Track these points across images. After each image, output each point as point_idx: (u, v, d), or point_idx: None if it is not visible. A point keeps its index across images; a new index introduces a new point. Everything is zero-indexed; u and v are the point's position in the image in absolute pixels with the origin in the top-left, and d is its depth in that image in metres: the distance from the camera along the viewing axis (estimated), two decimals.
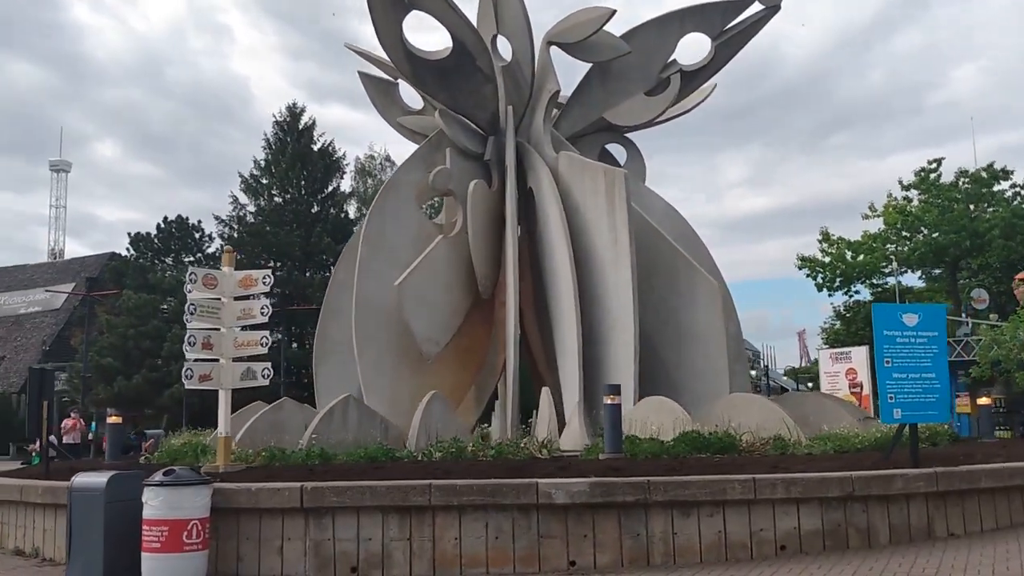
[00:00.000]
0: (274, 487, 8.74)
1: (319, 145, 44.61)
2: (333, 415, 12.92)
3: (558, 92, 16.97)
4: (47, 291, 52.52)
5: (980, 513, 9.38)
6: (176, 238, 44.99)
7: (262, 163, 43.78)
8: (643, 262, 15.38)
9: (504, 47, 17.45)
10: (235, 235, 42.46)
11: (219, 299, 10.46)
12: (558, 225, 15.25)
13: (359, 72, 19.08)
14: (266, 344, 10.45)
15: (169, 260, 44.99)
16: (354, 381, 15.72)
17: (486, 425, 15.81)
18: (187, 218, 45.48)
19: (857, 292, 40.96)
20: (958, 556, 8.23)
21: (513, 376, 15.60)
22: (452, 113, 16.89)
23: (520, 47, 17.09)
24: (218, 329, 10.42)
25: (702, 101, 19.42)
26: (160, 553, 8.26)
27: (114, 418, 14.24)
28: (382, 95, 19.03)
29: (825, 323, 43.77)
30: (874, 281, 40.78)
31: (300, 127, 44.29)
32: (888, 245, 39.40)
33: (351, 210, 46.73)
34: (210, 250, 45.63)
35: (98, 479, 8.89)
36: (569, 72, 18.20)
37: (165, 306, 40.06)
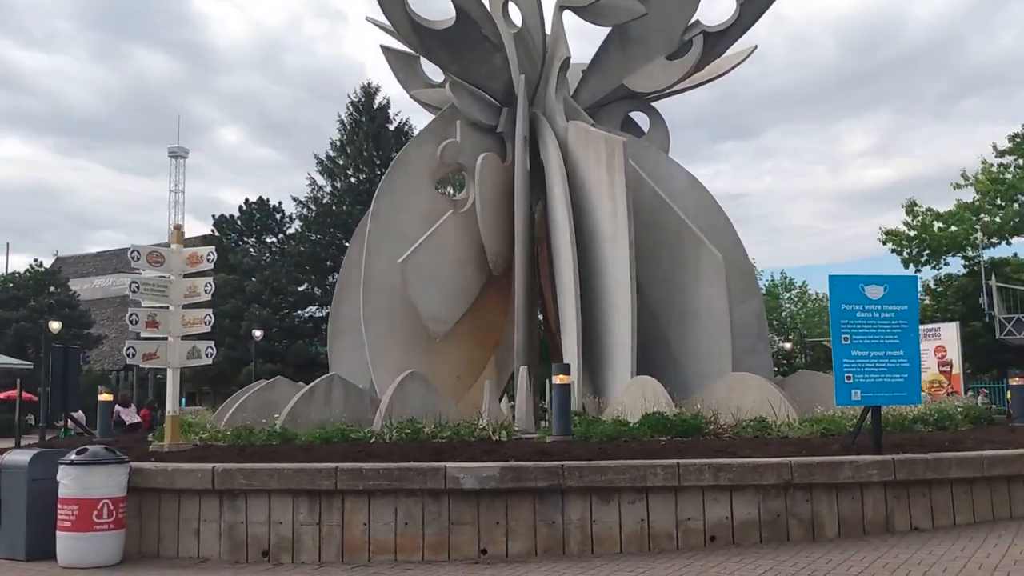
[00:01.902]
0: (188, 468, 8.59)
1: (395, 124, 44.72)
2: (314, 394, 12.75)
3: (568, 59, 16.31)
4: (116, 273, 54.80)
5: (953, 505, 8.51)
6: (257, 219, 45.88)
7: (338, 144, 44.17)
8: (651, 236, 14.71)
9: (516, 14, 16.86)
10: (311, 215, 43.05)
11: (167, 277, 10.36)
12: (561, 200, 14.69)
13: (381, 46, 18.81)
14: (209, 322, 10.30)
15: (252, 240, 45.96)
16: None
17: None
18: (268, 199, 46.43)
19: (947, 264, 38.73)
20: (909, 551, 7.45)
21: (519, 355, 15.16)
22: (464, 84, 16.44)
23: (530, 13, 16.50)
24: (166, 307, 10.32)
25: (739, 64, 18.39)
26: (71, 532, 8.25)
27: (104, 395, 14.40)
28: (405, 68, 18.68)
29: None
30: (968, 253, 38.45)
31: (375, 107, 44.46)
32: (983, 215, 37.03)
33: None
34: (290, 231, 46.48)
35: (22, 457, 8.93)
36: (593, 39, 17.53)
37: (248, 284, 40.94)
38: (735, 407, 12.15)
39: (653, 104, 17.96)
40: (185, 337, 10.36)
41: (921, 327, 38.10)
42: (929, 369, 33.70)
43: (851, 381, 8.59)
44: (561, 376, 10.14)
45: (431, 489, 7.91)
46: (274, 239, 46.27)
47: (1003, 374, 35.83)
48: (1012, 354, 34.43)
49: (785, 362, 53.93)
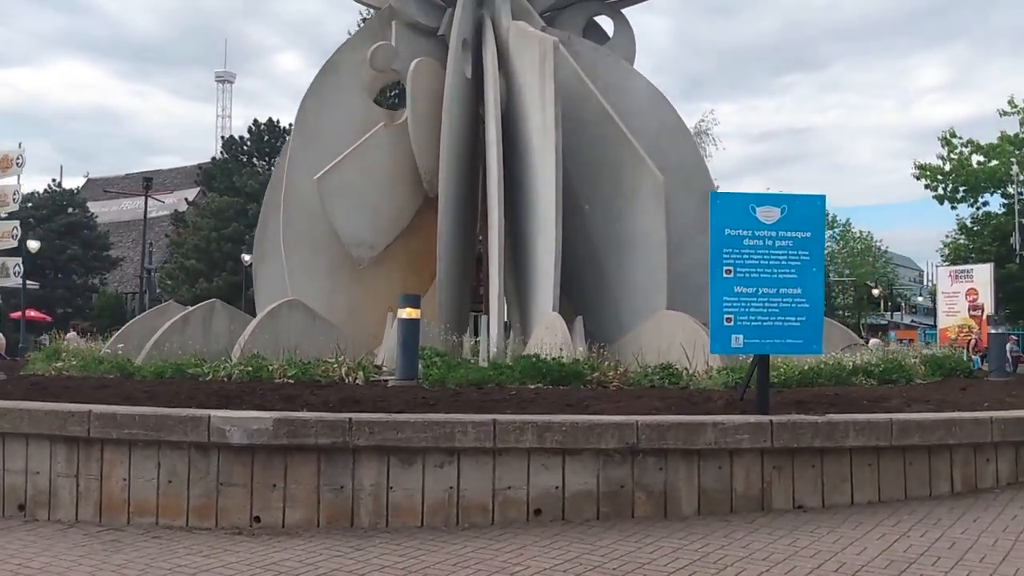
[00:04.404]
0: None
1: None
2: (188, 323, 11.51)
3: None
4: (106, 191, 54.39)
5: (851, 480, 6.91)
6: (266, 141, 44.47)
7: None
8: (596, 153, 13.08)
9: None
10: None
11: None
12: (491, 110, 13.08)
13: None
14: (17, 235, 9.02)
15: (262, 163, 44.61)
16: None
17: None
18: (278, 121, 44.88)
19: (986, 203, 36.05)
20: (770, 538, 5.90)
21: (441, 287, 13.71)
22: None
23: None
24: None
25: None
26: None
27: None
28: None
29: (948, 237, 39.00)
30: (1009, 190, 35.73)
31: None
32: None
33: None
34: None
35: None
36: None
37: (251, 207, 39.75)
38: (661, 349, 10.70)
39: (622, 10, 16.10)
40: None
41: (952, 268, 35.97)
42: (959, 313, 31.64)
43: (731, 324, 6.97)
44: (409, 310, 8.64)
45: (196, 443, 6.52)
46: None
47: None
48: None
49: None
